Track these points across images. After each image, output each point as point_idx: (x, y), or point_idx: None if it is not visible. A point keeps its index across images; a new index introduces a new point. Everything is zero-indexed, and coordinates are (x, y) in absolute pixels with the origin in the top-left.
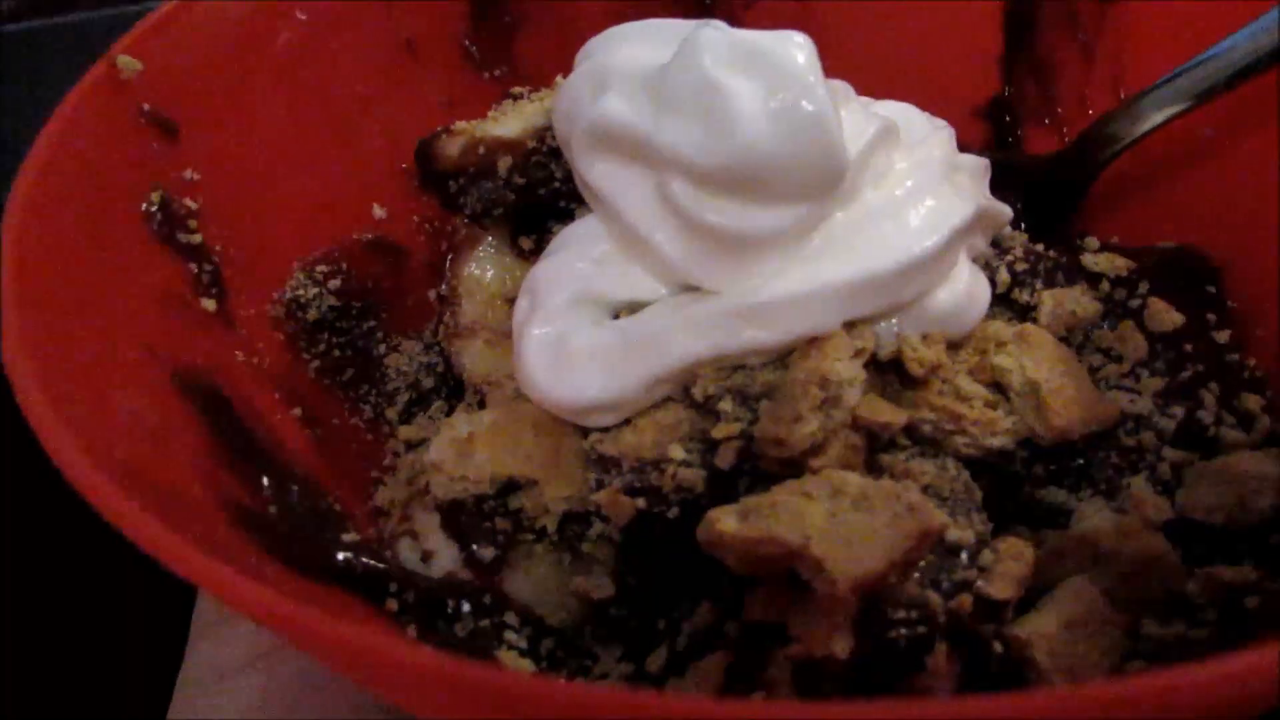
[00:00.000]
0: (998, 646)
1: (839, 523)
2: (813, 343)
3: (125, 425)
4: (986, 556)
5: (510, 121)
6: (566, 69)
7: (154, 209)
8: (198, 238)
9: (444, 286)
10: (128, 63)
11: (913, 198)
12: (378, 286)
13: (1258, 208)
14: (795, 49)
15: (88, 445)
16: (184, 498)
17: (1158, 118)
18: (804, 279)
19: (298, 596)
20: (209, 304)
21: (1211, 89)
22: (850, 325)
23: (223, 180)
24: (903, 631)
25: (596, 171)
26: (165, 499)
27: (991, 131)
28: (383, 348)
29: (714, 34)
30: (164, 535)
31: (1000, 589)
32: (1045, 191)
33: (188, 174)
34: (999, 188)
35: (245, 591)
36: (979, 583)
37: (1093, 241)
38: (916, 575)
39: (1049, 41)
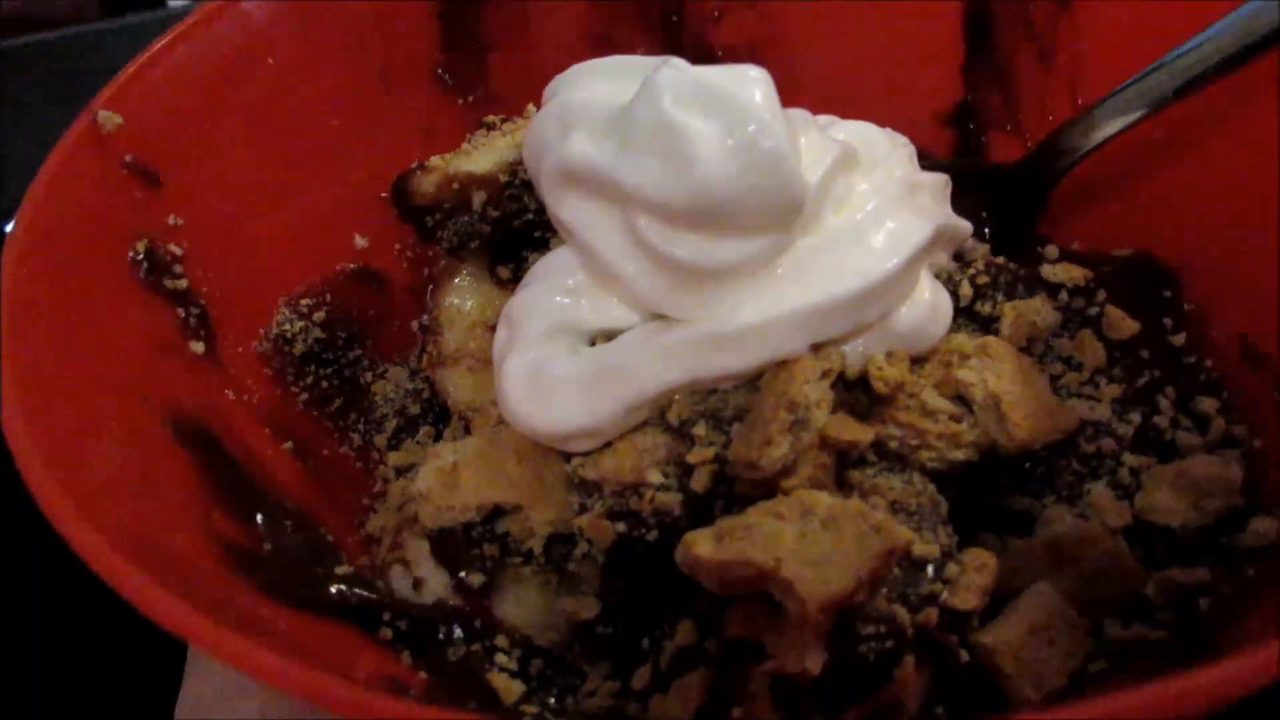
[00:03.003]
0: (964, 655)
1: (809, 544)
2: (781, 366)
3: (117, 477)
4: (951, 569)
5: (482, 156)
6: (539, 92)
7: (140, 257)
8: (184, 282)
9: (426, 317)
10: (108, 117)
11: (873, 221)
12: (362, 315)
13: (1212, 210)
14: (752, 86)
15: (79, 503)
16: (176, 547)
17: (1111, 128)
18: (770, 306)
19: (292, 634)
20: (198, 346)
21: (1162, 99)
22: (817, 347)
23: (206, 223)
24: (872, 646)
25: (566, 208)
26: (157, 552)
27: (956, 138)
28: (369, 376)
29: (673, 74)
30: (156, 594)
31: (964, 600)
32: (1007, 199)
33: (171, 220)
34: (963, 195)
35: (238, 650)
36: (944, 595)
37: (1052, 250)
38: (884, 591)
39: (1007, 48)
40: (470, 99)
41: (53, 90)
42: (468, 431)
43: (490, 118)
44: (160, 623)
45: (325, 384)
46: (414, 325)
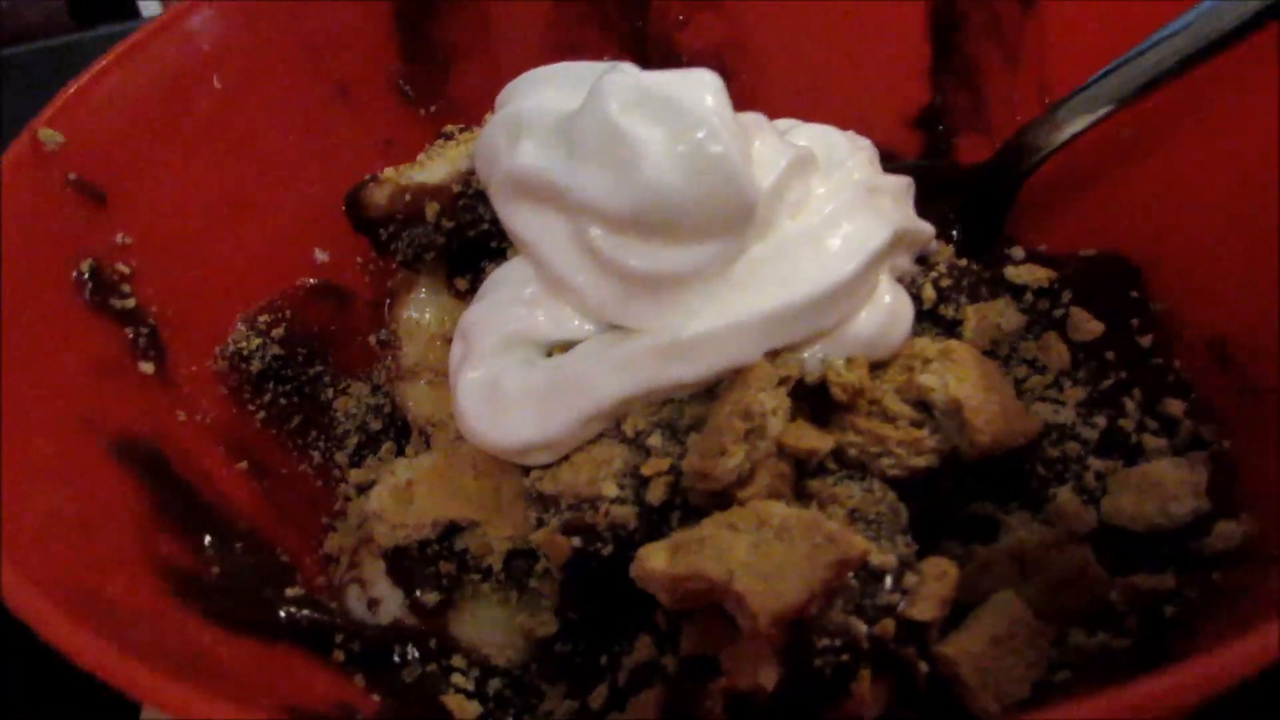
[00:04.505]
0: (924, 667)
1: (761, 556)
2: (737, 374)
3: (55, 509)
4: (910, 579)
5: (435, 167)
6: None
7: (85, 277)
8: (131, 302)
9: (384, 331)
10: (49, 135)
11: (829, 225)
12: (323, 330)
13: (1182, 208)
14: (702, 90)
15: (10, 544)
16: (116, 580)
17: (1076, 126)
18: (724, 313)
19: (238, 662)
20: (147, 367)
21: (1125, 95)
22: (774, 354)
23: (156, 241)
24: (828, 659)
25: (517, 218)
26: (93, 589)
27: (925, 140)
28: (330, 392)
29: (621, 79)
30: (89, 644)
31: (923, 611)
32: (975, 200)
33: (119, 238)
34: (930, 197)
35: (179, 700)
36: (902, 606)
37: (1018, 251)
38: (841, 602)
39: (974, 50)
40: (432, 109)
41: (31, 103)
42: (429, 446)
43: (450, 128)
44: (97, 675)
45: (284, 401)
46: (372, 340)
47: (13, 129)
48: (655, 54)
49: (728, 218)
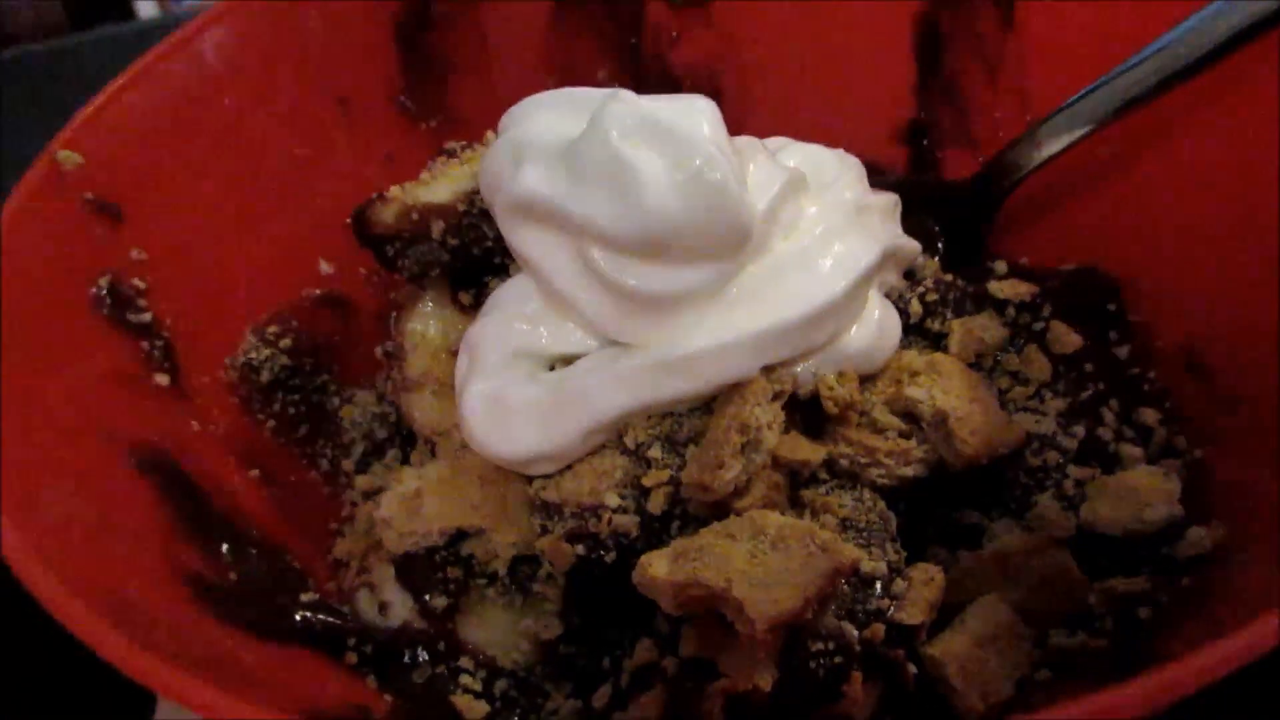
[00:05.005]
0: (912, 668)
1: (758, 564)
2: (734, 389)
3: (79, 516)
4: (899, 585)
5: (440, 186)
6: (501, 115)
7: (103, 293)
8: (148, 316)
9: (389, 343)
10: (67, 156)
11: (821, 245)
12: (329, 341)
13: (1157, 224)
14: (699, 118)
15: (38, 547)
16: (138, 584)
17: (1056, 145)
18: (721, 331)
19: (256, 665)
20: (162, 379)
21: (1104, 117)
22: (769, 369)
23: (170, 256)
24: (821, 662)
25: (520, 239)
26: (118, 592)
27: (910, 155)
28: (337, 400)
29: (621, 108)
30: (118, 642)
31: (912, 615)
32: (959, 216)
33: (135, 254)
34: (916, 212)
35: (204, 698)
36: (892, 610)
37: (1001, 265)
38: (833, 608)
39: (958, 67)
40: (432, 124)
41: (29, 103)
42: (434, 455)
43: (451, 144)
44: (124, 671)
45: (293, 410)
46: (378, 351)
47: (11, 129)
48: (650, 69)
49: (725, 241)
